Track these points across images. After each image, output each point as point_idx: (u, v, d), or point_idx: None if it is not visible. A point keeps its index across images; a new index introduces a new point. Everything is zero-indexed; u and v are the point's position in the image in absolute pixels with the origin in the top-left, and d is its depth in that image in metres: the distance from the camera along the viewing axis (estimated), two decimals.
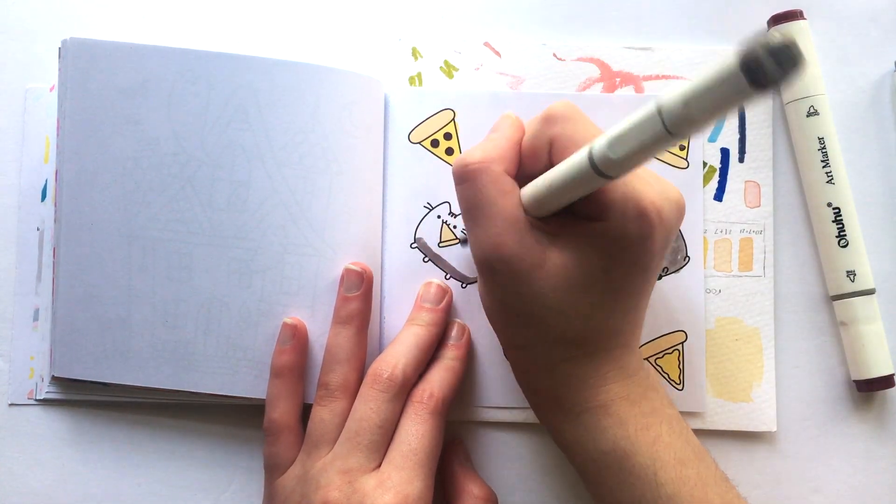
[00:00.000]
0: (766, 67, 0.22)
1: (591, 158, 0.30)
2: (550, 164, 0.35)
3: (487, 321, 0.43)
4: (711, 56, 0.45)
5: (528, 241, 0.34)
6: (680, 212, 0.35)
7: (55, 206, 0.42)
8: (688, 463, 0.34)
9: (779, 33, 0.22)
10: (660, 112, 0.26)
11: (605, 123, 0.44)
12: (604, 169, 0.29)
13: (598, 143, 0.29)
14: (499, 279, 0.35)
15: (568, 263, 0.34)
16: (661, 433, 0.35)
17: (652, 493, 0.34)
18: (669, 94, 0.25)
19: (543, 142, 0.35)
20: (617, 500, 0.35)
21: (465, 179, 0.35)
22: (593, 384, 0.35)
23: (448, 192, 0.44)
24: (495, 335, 0.43)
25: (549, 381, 0.36)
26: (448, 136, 0.44)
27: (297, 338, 0.41)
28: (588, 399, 0.35)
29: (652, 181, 0.35)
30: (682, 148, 0.44)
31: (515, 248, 0.34)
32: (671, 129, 0.25)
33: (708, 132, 0.45)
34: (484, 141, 0.37)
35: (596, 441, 0.35)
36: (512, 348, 0.38)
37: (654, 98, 0.26)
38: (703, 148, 0.45)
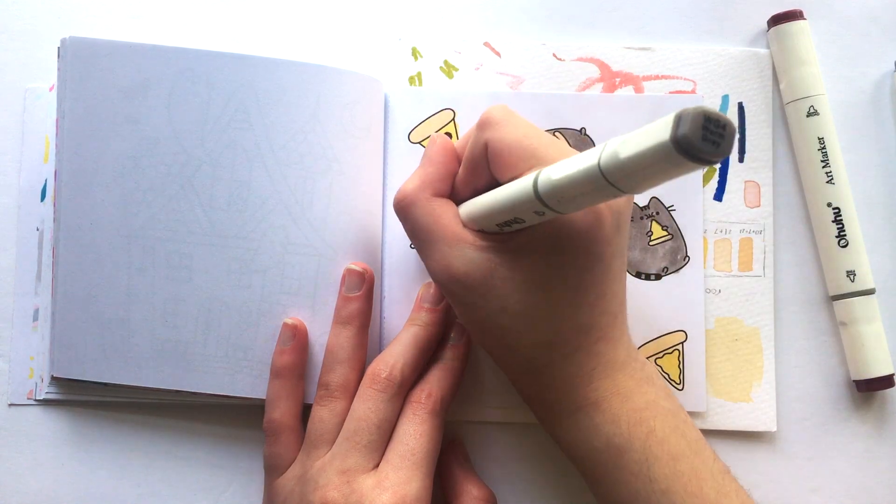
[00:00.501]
0: (692, 132, 0.22)
1: (535, 183, 0.30)
2: (490, 175, 0.36)
3: None
4: (711, 56, 0.45)
5: (473, 257, 0.35)
6: (625, 200, 0.36)
7: (54, 205, 0.42)
8: (682, 458, 0.34)
9: (720, 115, 0.23)
10: (602, 148, 0.26)
11: (605, 123, 0.44)
12: (545, 197, 0.29)
13: (545, 170, 0.29)
14: (458, 299, 0.36)
15: (518, 269, 0.34)
16: (655, 428, 0.34)
17: (646, 489, 0.34)
18: (612, 142, 0.26)
19: (480, 149, 0.36)
20: (614, 497, 0.35)
21: (400, 215, 0.38)
22: (580, 383, 0.35)
23: None
24: None
25: (535, 385, 0.37)
26: (448, 136, 0.44)
27: (297, 338, 0.41)
28: (577, 399, 0.35)
29: None
30: None
31: (463, 267, 0.35)
32: (603, 167, 0.26)
33: None
34: (413, 173, 0.38)
35: (590, 439, 0.35)
36: (495, 359, 0.38)
37: (597, 152, 0.26)
38: None
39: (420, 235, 0.37)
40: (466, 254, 0.35)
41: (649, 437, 0.34)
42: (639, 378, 0.36)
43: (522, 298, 0.34)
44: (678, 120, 0.23)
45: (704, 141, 0.22)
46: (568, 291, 0.34)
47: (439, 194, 0.37)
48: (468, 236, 0.35)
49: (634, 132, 0.25)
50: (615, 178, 0.26)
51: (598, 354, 0.35)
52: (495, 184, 0.35)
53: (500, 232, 0.35)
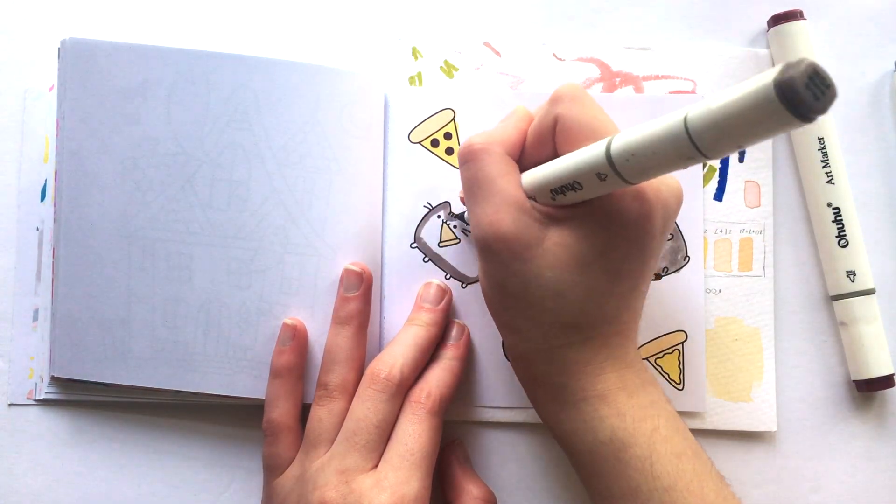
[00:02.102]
0: (803, 96, 0.22)
1: (608, 148, 0.29)
2: (555, 146, 0.36)
3: (487, 321, 0.43)
4: (711, 56, 0.45)
5: (525, 221, 0.34)
6: (678, 197, 0.36)
7: (54, 206, 0.42)
8: (684, 457, 0.34)
9: (810, 62, 0.22)
10: (685, 121, 0.25)
11: None
12: (617, 163, 0.29)
13: (617, 144, 0.29)
14: (496, 258, 0.35)
15: (565, 243, 0.34)
16: (659, 426, 0.35)
17: (648, 485, 0.34)
18: (698, 104, 0.25)
19: (549, 122, 0.35)
20: (612, 491, 0.35)
21: (468, 160, 0.36)
22: (591, 371, 0.35)
23: (448, 192, 0.44)
24: (495, 335, 0.43)
25: (546, 367, 0.36)
26: (448, 136, 0.44)
27: (296, 338, 0.41)
28: (586, 387, 0.35)
29: None
30: None
31: (513, 227, 0.34)
32: (692, 134, 0.25)
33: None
34: (487, 130, 0.38)
35: (594, 431, 0.35)
36: (509, 333, 0.38)
37: (684, 110, 0.26)
38: None
39: (481, 184, 0.36)
40: (521, 216, 0.34)
41: (654, 434, 0.34)
42: (644, 378, 0.36)
43: (560, 273, 0.34)
44: (786, 65, 0.22)
45: (807, 89, 0.22)
46: (604, 276, 0.34)
47: (511, 155, 0.37)
48: (525, 200, 0.35)
49: (718, 96, 0.24)
50: (700, 134, 0.25)
51: (612, 347, 0.36)
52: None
53: (554, 203, 0.34)
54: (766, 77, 0.23)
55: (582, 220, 0.34)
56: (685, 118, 0.25)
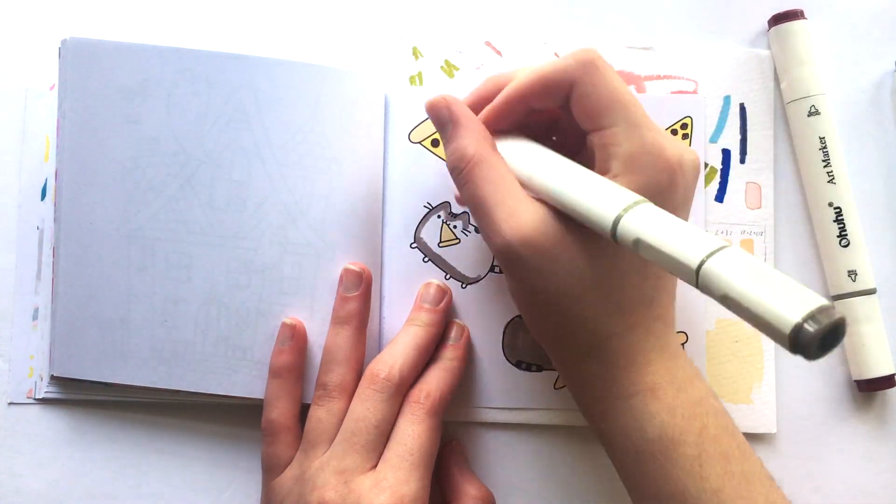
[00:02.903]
0: (811, 348, 0.23)
1: (614, 224, 0.29)
2: (566, 106, 0.35)
3: (486, 322, 0.43)
4: (712, 56, 0.45)
5: (542, 214, 0.33)
6: (696, 168, 0.36)
7: (55, 205, 0.42)
8: (732, 459, 0.33)
9: (836, 315, 0.23)
10: (697, 274, 0.26)
11: None
12: (620, 241, 0.29)
13: (626, 226, 0.29)
14: (525, 265, 0.34)
15: (589, 232, 0.33)
16: (708, 424, 0.34)
17: (696, 486, 0.33)
18: (719, 264, 0.25)
19: (563, 78, 0.34)
20: (660, 493, 0.34)
21: (465, 179, 0.35)
22: (640, 362, 0.34)
23: (448, 192, 0.44)
24: (494, 336, 0.43)
25: (596, 366, 0.35)
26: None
27: (296, 338, 0.41)
28: (636, 381, 0.34)
29: (666, 133, 0.35)
30: None
31: (534, 223, 0.33)
32: (701, 286, 0.26)
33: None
34: (465, 122, 0.36)
35: (643, 428, 0.34)
36: (555, 341, 0.37)
37: (708, 252, 0.26)
38: (705, 149, 0.44)
39: (488, 197, 0.34)
40: (537, 210, 0.33)
41: (703, 433, 0.33)
42: (690, 372, 0.35)
43: (592, 262, 0.33)
44: (796, 337, 0.23)
45: (820, 349, 0.23)
46: (636, 258, 0.33)
47: (491, 144, 0.36)
48: (536, 201, 0.34)
49: (742, 288, 0.24)
50: (704, 289, 0.26)
51: (657, 334, 0.35)
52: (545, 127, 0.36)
53: None
54: (783, 327, 0.23)
55: None
56: (696, 273, 0.26)
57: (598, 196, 0.31)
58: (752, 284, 0.24)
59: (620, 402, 0.35)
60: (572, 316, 0.34)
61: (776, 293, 0.24)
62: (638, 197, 0.31)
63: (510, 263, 0.35)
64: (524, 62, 0.45)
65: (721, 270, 0.25)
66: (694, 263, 0.26)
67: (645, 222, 0.28)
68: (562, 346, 0.37)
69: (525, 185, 0.35)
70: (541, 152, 0.36)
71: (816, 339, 0.22)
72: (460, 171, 0.35)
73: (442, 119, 0.37)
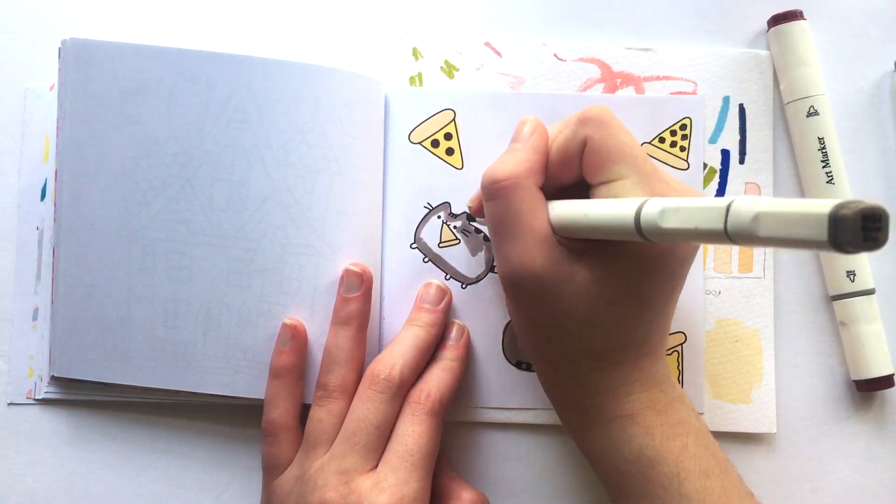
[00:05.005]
0: (851, 232, 0.22)
1: (637, 216, 0.29)
2: (580, 168, 0.35)
3: (486, 322, 0.43)
4: (712, 57, 0.45)
5: (556, 257, 0.34)
6: None
7: (55, 205, 0.42)
8: (712, 475, 0.34)
9: (878, 207, 0.22)
10: (727, 211, 0.25)
11: None
12: (645, 231, 0.29)
13: (650, 208, 0.29)
14: (527, 296, 0.35)
15: (596, 278, 0.34)
16: (688, 444, 0.35)
17: (676, 503, 0.34)
18: (746, 201, 0.25)
19: (577, 144, 0.35)
20: None
21: (496, 196, 0.35)
22: (621, 393, 0.35)
23: (448, 192, 0.44)
24: (494, 336, 0.43)
25: (577, 391, 0.36)
26: (448, 137, 0.44)
27: (296, 338, 0.41)
28: (615, 408, 0.35)
29: (678, 189, 0.35)
30: (682, 149, 0.44)
31: (545, 265, 0.34)
32: (730, 231, 0.25)
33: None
34: (510, 152, 0.37)
35: (621, 449, 0.35)
36: (543, 363, 0.38)
37: (732, 197, 0.25)
38: (704, 149, 0.45)
39: (511, 222, 0.35)
40: (552, 252, 0.34)
41: (682, 453, 0.34)
42: (672, 396, 0.36)
43: (592, 308, 0.34)
44: (834, 224, 0.22)
45: (866, 241, 0.22)
46: (636, 305, 0.34)
47: (539, 185, 0.36)
48: (553, 235, 0.35)
49: (772, 204, 0.24)
50: (740, 240, 0.25)
51: (642, 368, 0.36)
52: (582, 183, 0.35)
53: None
54: (818, 229, 0.22)
55: (615, 254, 0.34)
56: (725, 228, 0.25)
57: (618, 203, 0.31)
58: (780, 201, 0.24)
59: (599, 425, 0.36)
60: (561, 348, 0.36)
61: (802, 202, 0.23)
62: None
63: (513, 290, 0.36)
64: (524, 63, 0.45)
65: (748, 200, 0.25)
66: (723, 204, 0.25)
67: (664, 201, 0.29)
68: (547, 368, 0.38)
69: (556, 226, 0.35)
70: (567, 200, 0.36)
71: (857, 220, 0.21)
72: (496, 184, 0.35)
73: (518, 131, 0.38)
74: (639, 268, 0.34)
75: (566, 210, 0.34)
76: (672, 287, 0.36)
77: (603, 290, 0.34)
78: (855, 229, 0.22)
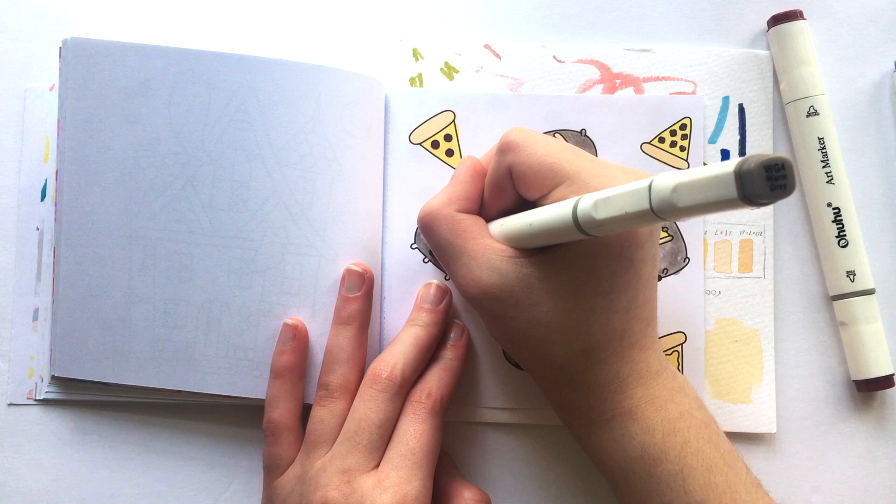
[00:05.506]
0: (757, 184, 0.23)
1: (574, 213, 0.30)
2: (516, 193, 0.36)
3: None
4: (711, 57, 0.45)
5: (502, 268, 0.35)
6: None
7: (55, 205, 0.42)
8: (716, 470, 0.34)
9: (779, 157, 0.23)
10: (650, 190, 0.27)
11: (606, 125, 0.44)
12: (585, 227, 0.30)
13: (584, 204, 0.30)
14: (489, 312, 0.36)
15: (549, 276, 0.34)
16: (689, 438, 0.35)
17: (680, 501, 0.34)
18: (665, 176, 0.26)
19: (503, 172, 0.36)
20: None
21: (424, 231, 0.38)
22: (615, 390, 0.35)
23: None
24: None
25: (570, 393, 0.37)
26: (448, 138, 0.45)
27: (297, 338, 0.41)
28: (613, 406, 0.35)
29: (618, 175, 0.35)
30: (682, 150, 0.44)
31: (491, 278, 0.35)
32: (655, 208, 0.26)
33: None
34: (439, 192, 0.39)
35: (624, 449, 0.35)
36: (531, 370, 0.38)
37: (651, 177, 0.27)
38: (704, 149, 0.45)
39: (447, 250, 0.37)
40: (495, 265, 0.35)
41: (684, 448, 0.34)
42: (672, 387, 0.36)
43: (555, 307, 0.34)
44: (740, 178, 0.23)
45: (773, 190, 0.23)
46: (600, 297, 0.34)
47: (466, 211, 0.38)
48: (496, 247, 0.36)
49: (686, 174, 0.25)
50: (665, 214, 0.26)
51: (633, 361, 0.36)
52: (524, 202, 0.36)
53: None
54: (727, 187, 0.24)
55: (564, 250, 0.34)
56: (650, 206, 0.27)
57: (556, 206, 0.32)
58: (694, 169, 0.25)
59: (599, 426, 0.36)
60: (539, 355, 0.36)
61: (712, 166, 0.25)
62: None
63: (477, 309, 0.37)
64: (523, 65, 0.45)
65: (666, 175, 0.26)
66: (645, 184, 0.27)
67: (596, 194, 0.29)
68: (538, 376, 0.38)
69: (506, 241, 0.36)
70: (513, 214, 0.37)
71: (761, 171, 0.23)
72: (420, 221, 0.38)
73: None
74: (591, 258, 0.34)
75: (511, 224, 0.35)
76: (636, 273, 0.35)
77: (559, 285, 0.34)
78: (761, 180, 0.23)
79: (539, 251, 0.35)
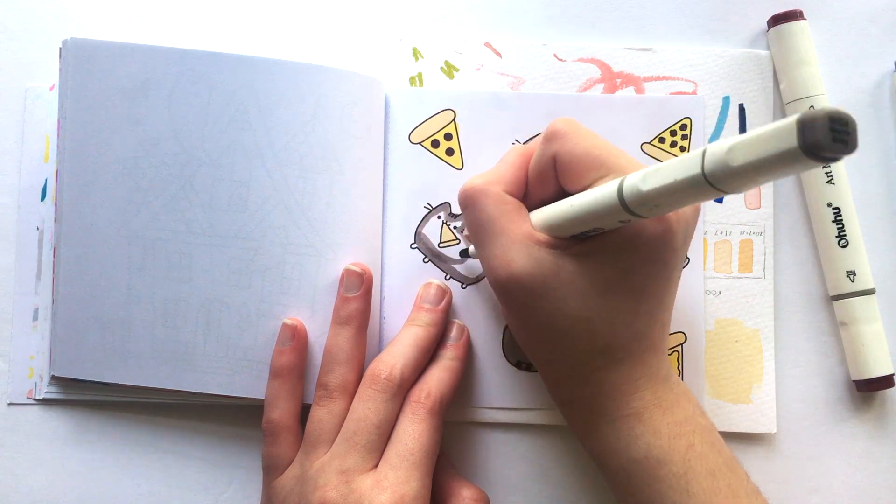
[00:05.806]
0: (820, 132, 0.22)
1: (619, 190, 0.30)
2: (558, 184, 0.36)
3: (487, 322, 0.43)
4: (712, 57, 0.45)
5: (537, 256, 0.34)
6: (696, 209, 0.36)
7: (55, 205, 0.42)
8: (719, 474, 0.34)
9: (843, 112, 0.22)
10: (703, 155, 0.26)
11: (606, 124, 0.44)
12: (630, 203, 0.29)
13: (631, 179, 0.29)
14: (516, 299, 0.35)
15: (584, 271, 0.34)
16: (694, 443, 0.35)
17: (683, 503, 0.34)
18: (720, 142, 0.25)
19: (547, 161, 0.36)
20: None
21: (467, 204, 0.37)
22: (626, 391, 0.35)
23: (448, 192, 0.44)
24: (494, 336, 0.43)
25: (581, 391, 0.36)
26: (448, 137, 0.44)
27: (296, 338, 0.41)
28: (622, 406, 0.35)
29: None
30: (682, 150, 0.44)
31: (525, 264, 0.34)
32: (707, 172, 0.25)
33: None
34: (500, 163, 0.38)
35: (629, 449, 0.35)
36: (543, 364, 0.38)
37: (696, 159, 0.26)
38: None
39: (487, 227, 0.36)
40: (532, 251, 0.34)
41: (689, 452, 0.34)
42: (677, 393, 0.36)
43: (585, 303, 0.34)
44: (802, 127, 0.22)
45: (835, 142, 0.22)
46: (630, 297, 0.34)
47: (511, 194, 0.37)
48: (535, 235, 0.35)
49: (742, 137, 0.24)
50: (718, 180, 0.25)
51: (646, 364, 0.36)
52: (564, 194, 0.35)
53: (574, 238, 0.34)
54: (787, 138, 0.23)
55: (601, 246, 0.34)
56: (702, 171, 0.26)
57: (600, 187, 0.32)
58: (750, 132, 0.24)
59: (605, 424, 0.36)
60: (559, 349, 0.36)
61: (771, 124, 0.24)
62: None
63: (501, 294, 0.37)
64: (524, 63, 0.45)
65: (722, 141, 0.25)
66: (699, 152, 0.26)
67: (645, 169, 0.29)
68: (550, 370, 0.38)
69: (545, 229, 0.35)
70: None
71: (825, 120, 0.22)
72: (465, 193, 0.37)
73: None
74: (627, 256, 0.34)
75: (552, 209, 0.35)
76: (667, 277, 0.35)
77: (592, 281, 0.34)
78: (823, 129, 0.22)
79: (577, 244, 0.34)
